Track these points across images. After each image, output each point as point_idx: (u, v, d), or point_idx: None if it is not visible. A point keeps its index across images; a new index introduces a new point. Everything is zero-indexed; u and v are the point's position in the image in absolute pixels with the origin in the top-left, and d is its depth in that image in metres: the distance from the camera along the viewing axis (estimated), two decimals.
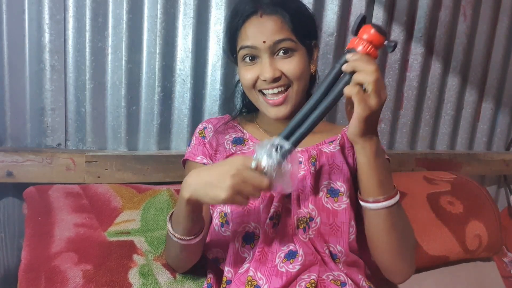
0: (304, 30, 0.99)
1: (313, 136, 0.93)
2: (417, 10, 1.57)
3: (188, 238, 0.91)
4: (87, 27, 1.21)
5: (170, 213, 0.94)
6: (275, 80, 0.96)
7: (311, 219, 0.95)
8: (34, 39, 1.19)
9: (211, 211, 1.04)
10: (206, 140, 1.08)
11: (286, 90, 0.98)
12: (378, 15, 1.50)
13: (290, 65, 0.96)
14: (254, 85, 0.99)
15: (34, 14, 1.18)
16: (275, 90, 0.97)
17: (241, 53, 0.99)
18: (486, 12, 1.68)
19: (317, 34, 1.05)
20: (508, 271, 1.55)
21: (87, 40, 1.22)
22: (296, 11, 0.98)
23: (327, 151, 1.04)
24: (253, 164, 0.79)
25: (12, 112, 1.21)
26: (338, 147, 1.05)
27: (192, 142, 1.10)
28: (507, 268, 1.56)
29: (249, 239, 0.95)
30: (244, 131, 1.10)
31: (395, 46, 0.77)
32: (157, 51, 1.26)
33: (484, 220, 1.40)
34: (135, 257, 1.05)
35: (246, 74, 0.99)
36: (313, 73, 1.04)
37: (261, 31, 0.95)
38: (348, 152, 1.06)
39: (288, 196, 0.96)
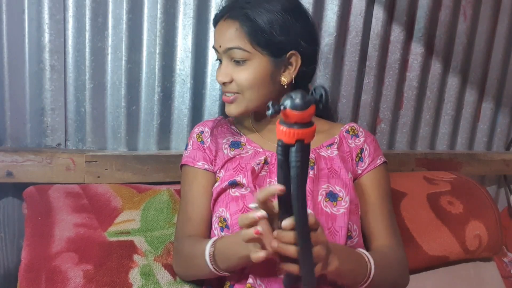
0: (270, 40, 0.95)
1: None
2: (417, 10, 1.56)
3: (226, 273, 0.91)
4: (87, 27, 1.21)
5: (213, 241, 0.90)
6: (225, 84, 1.00)
7: None
8: (34, 39, 1.19)
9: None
10: (205, 146, 1.07)
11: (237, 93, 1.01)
12: (378, 15, 1.50)
13: (239, 74, 0.97)
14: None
15: (34, 14, 1.17)
16: (227, 94, 1.01)
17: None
18: (486, 12, 1.67)
19: (298, 45, 0.98)
20: (508, 271, 1.55)
21: (87, 40, 1.22)
22: (266, 20, 0.94)
23: (325, 155, 1.04)
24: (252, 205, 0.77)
25: (12, 112, 1.21)
26: (336, 152, 1.05)
27: (189, 146, 1.09)
28: (507, 268, 1.56)
29: None
30: (241, 134, 1.10)
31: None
32: (157, 51, 1.26)
33: (484, 220, 1.40)
34: (136, 257, 1.05)
35: (216, 73, 1.03)
36: (285, 85, 0.99)
37: (219, 35, 1.00)
38: (347, 156, 1.06)
39: None
